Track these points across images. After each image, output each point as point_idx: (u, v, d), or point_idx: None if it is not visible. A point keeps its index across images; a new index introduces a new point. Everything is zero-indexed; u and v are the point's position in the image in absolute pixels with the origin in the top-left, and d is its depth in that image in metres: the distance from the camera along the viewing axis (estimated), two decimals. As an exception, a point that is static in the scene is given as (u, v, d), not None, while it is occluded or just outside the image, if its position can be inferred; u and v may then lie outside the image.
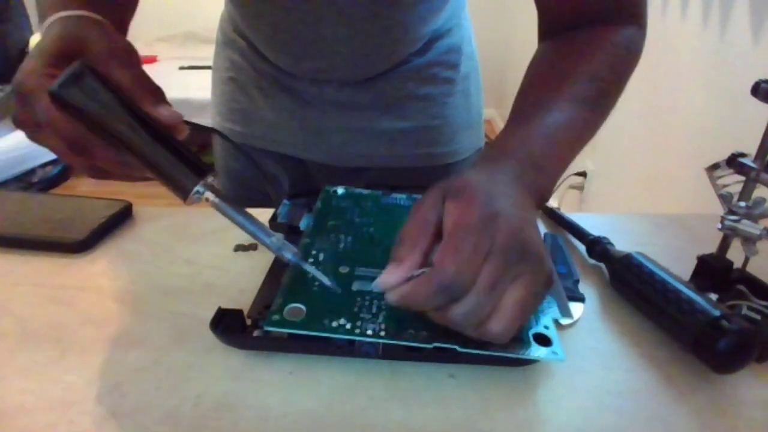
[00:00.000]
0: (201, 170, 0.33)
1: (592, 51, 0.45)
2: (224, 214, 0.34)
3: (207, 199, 0.33)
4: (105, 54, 0.33)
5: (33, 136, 0.34)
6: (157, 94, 0.34)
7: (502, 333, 0.31)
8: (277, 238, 0.34)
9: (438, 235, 0.32)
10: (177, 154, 0.32)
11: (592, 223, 0.50)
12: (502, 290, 0.30)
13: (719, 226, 0.40)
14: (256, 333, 0.36)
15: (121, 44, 0.35)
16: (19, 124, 0.34)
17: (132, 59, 0.35)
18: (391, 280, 0.31)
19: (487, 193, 0.33)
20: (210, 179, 0.33)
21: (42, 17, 0.39)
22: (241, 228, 0.34)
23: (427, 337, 0.33)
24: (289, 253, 0.34)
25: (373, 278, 0.38)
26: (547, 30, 0.50)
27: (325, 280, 0.34)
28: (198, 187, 0.32)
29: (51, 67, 0.32)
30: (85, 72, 0.31)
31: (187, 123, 0.37)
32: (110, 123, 0.31)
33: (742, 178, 0.40)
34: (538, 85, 0.45)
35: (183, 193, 0.32)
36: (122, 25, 0.43)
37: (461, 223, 0.31)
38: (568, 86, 0.43)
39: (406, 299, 0.31)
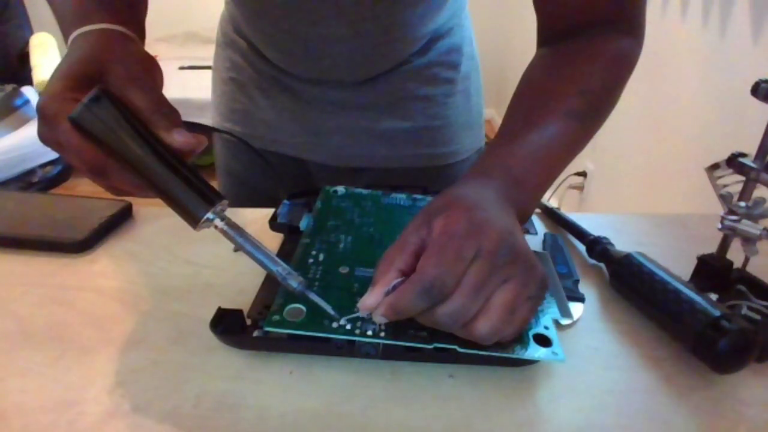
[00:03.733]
0: (211, 198, 0.33)
1: (585, 64, 0.45)
2: (233, 241, 0.34)
3: (216, 227, 0.34)
4: (123, 78, 0.34)
5: (58, 152, 0.35)
6: (172, 118, 0.34)
7: (489, 334, 0.31)
8: (283, 267, 0.34)
9: (418, 257, 0.32)
10: (188, 182, 0.33)
11: (592, 223, 0.50)
12: (490, 292, 0.31)
13: (719, 226, 0.40)
14: (256, 333, 0.36)
15: (141, 63, 0.36)
16: (43, 142, 0.34)
17: (152, 78, 0.36)
18: (370, 300, 0.32)
19: (473, 203, 0.33)
20: (219, 208, 0.33)
21: (64, 31, 0.39)
22: (249, 256, 0.34)
23: (427, 337, 0.33)
24: (295, 282, 0.34)
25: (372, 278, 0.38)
26: (545, 36, 0.50)
27: (329, 309, 0.34)
28: (208, 215, 0.33)
29: (73, 91, 0.33)
30: (102, 98, 0.32)
31: (192, 124, 0.37)
32: (123, 150, 0.32)
33: (742, 178, 0.40)
34: (528, 99, 0.45)
35: (193, 220, 0.33)
36: (140, 26, 0.43)
37: (446, 231, 0.31)
38: (558, 100, 0.43)
39: (393, 309, 0.31)
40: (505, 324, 0.31)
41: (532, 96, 0.45)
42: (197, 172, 0.34)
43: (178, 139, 0.33)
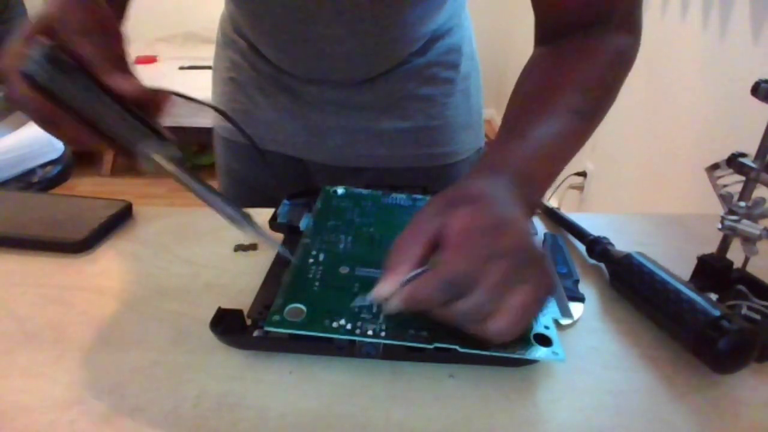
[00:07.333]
0: (155, 135, 0.33)
1: (584, 61, 0.45)
2: (179, 181, 0.34)
3: (159, 164, 0.33)
4: (73, 30, 0.34)
5: (20, 110, 0.36)
6: (119, 65, 0.34)
7: (501, 333, 0.31)
8: (233, 208, 0.34)
9: (433, 246, 0.32)
10: (131, 122, 0.33)
11: (592, 223, 0.50)
12: (507, 292, 0.31)
13: (719, 226, 0.40)
14: (256, 333, 0.36)
15: (93, 16, 0.36)
16: (7, 102, 0.35)
17: (104, 29, 0.36)
18: (385, 289, 0.32)
19: (495, 200, 0.33)
20: (173, 152, 0.33)
21: None
22: (199, 197, 0.34)
23: (428, 337, 0.33)
24: (248, 224, 0.34)
25: (373, 278, 0.38)
26: (542, 35, 0.50)
27: (286, 253, 0.34)
28: (146, 149, 0.33)
29: (28, 47, 0.34)
30: (48, 50, 0.33)
31: (188, 99, 0.37)
32: (68, 98, 0.33)
33: (742, 178, 0.40)
34: (530, 96, 0.45)
35: (132, 148, 0.33)
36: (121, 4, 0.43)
37: (472, 225, 0.31)
38: (560, 97, 0.43)
39: (412, 299, 0.31)
40: (518, 325, 0.31)
41: (534, 93, 0.45)
42: (150, 120, 0.34)
43: (122, 83, 0.33)
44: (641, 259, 0.41)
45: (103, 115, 0.33)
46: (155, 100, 0.35)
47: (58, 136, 0.36)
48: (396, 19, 0.54)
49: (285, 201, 0.51)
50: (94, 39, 0.34)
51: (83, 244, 0.47)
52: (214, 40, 0.70)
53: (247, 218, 0.34)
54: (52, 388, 0.33)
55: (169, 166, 0.33)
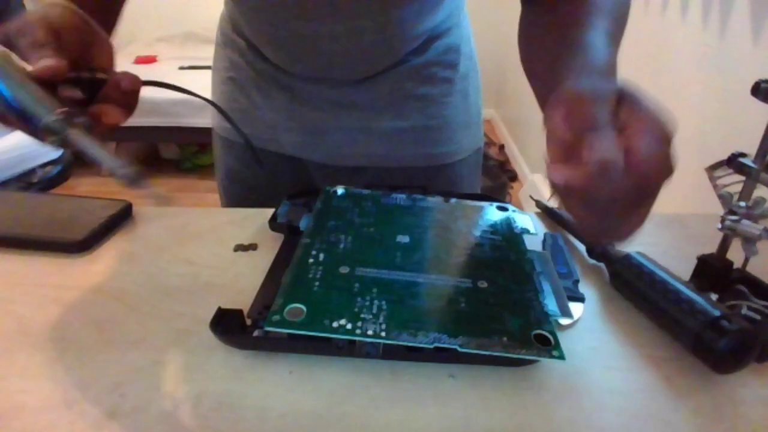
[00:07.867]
0: (53, 107, 0.33)
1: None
2: (69, 143, 0.33)
3: (55, 131, 0.33)
4: (15, 31, 0.35)
5: None
6: (42, 51, 0.35)
7: (628, 236, 0.32)
8: (114, 159, 0.32)
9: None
10: (37, 96, 0.33)
11: (592, 223, 0.50)
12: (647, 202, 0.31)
13: (719, 226, 0.40)
14: (256, 333, 0.36)
15: (43, 15, 0.36)
16: None
17: (47, 23, 0.36)
18: (563, 173, 0.30)
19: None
20: (76, 117, 0.33)
21: None
22: (89, 156, 0.33)
23: (428, 337, 0.33)
24: (140, 184, 0.32)
25: (373, 278, 0.38)
26: None
27: (166, 200, 0.34)
28: (43, 121, 0.32)
29: None
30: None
31: (164, 86, 0.37)
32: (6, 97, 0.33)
33: (742, 178, 0.40)
34: (572, 21, 0.44)
35: (38, 124, 0.33)
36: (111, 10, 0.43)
37: (664, 126, 0.30)
38: (596, 18, 0.43)
39: (610, 169, 0.29)
40: (634, 234, 0.32)
41: (571, 19, 0.44)
42: (61, 97, 0.34)
43: (38, 65, 0.34)
44: (641, 259, 0.41)
45: (19, 100, 0.33)
46: (115, 80, 0.35)
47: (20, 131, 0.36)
48: (392, 16, 0.54)
49: (285, 201, 0.51)
50: (27, 32, 0.35)
51: (83, 244, 0.47)
52: (214, 40, 0.70)
53: (139, 176, 0.32)
54: (52, 388, 0.33)
55: (50, 118, 0.32)
